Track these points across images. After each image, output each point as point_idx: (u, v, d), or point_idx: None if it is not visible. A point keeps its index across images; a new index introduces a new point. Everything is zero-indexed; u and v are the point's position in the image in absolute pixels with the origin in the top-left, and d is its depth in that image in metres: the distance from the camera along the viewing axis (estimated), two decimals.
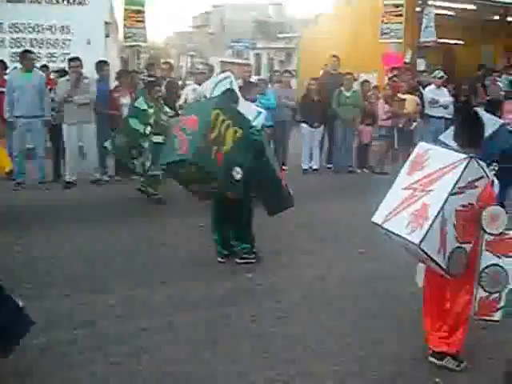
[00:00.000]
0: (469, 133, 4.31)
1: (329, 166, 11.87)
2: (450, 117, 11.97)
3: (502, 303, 4.13)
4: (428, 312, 4.48)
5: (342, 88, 11.52)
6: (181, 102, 10.17)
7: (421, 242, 3.76)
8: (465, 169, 3.84)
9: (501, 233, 3.99)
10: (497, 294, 4.12)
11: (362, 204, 6.73)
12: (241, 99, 6.63)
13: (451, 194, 3.82)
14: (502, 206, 4.08)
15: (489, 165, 4.54)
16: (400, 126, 11.32)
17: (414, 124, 11.40)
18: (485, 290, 4.11)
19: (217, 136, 5.82)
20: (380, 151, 11.47)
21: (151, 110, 8.74)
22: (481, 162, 3.95)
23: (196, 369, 4.20)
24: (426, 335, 4.45)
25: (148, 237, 7.37)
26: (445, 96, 12.04)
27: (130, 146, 8.61)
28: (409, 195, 4.04)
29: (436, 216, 3.79)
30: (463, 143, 4.27)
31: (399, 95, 11.59)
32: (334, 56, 12.35)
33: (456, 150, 4.15)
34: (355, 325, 5.04)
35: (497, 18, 20.24)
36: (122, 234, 7.46)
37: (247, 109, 6.61)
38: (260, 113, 6.96)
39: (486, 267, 4.07)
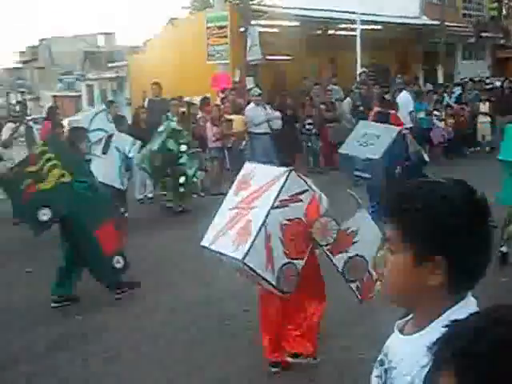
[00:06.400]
0: (286, 148, 4.43)
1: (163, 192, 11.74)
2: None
3: (375, 276, 4.16)
4: (267, 329, 4.48)
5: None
6: (3, 138, 10.30)
7: (244, 257, 3.71)
8: (285, 182, 3.86)
9: (335, 239, 4.03)
10: (366, 273, 4.19)
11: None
12: (116, 131, 8.20)
13: (273, 207, 3.81)
14: None
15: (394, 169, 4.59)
16: (229, 146, 11.53)
17: (243, 143, 11.66)
18: (356, 279, 4.17)
19: (36, 171, 5.69)
20: (213, 172, 11.57)
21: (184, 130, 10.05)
22: (303, 176, 4.01)
23: None
24: (264, 350, 4.47)
25: None
26: (264, 113, 12.30)
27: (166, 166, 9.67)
28: (234, 214, 4.03)
29: (258, 231, 3.75)
30: (284, 158, 4.38)
31: (226, 116, 11.81)
32: (154, 83, 12.33)
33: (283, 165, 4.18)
34: (185, 353, 5.00)
35: (319, 32, 21.32)
36: None
37: (121, 139, 8.17)
38: (135, 143, 8.42)
39: (344, 266, 4.12)
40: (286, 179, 3.88)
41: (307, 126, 12.99)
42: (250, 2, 19.77)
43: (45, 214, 5.70)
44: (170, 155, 9.58)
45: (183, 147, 9.70)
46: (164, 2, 73.88)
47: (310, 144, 12.81)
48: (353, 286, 4.19)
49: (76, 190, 5.88)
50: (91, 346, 5.25)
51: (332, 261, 4.14)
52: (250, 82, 16.16)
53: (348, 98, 14.12)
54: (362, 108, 12.63)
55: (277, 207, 3.84)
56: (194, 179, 10.03)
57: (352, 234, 4.16)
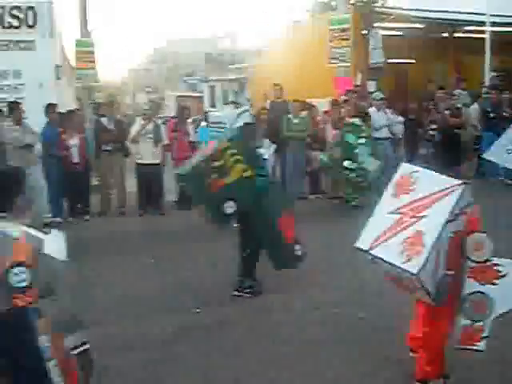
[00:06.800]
0: (449, 154, 4.29)
1: None
2: (400, 137, 12.16)
3: (486, 332, 3.92)
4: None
5: (290, 115, 11.58)
6: (132, 134, 10.93)
7: (419, 272, 3.63)
8: (460, 195, 3.78)
9: (485, 260, 3.86)
10: (480, 323, 3.92)
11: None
12: None
13: (448, 221, 3.73)
14: None
15: None
16: None
17: None
18: (468, 318, 3.94)
19: (221, 166, 5.95)
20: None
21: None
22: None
23: None
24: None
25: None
26: (385, 118, 12.03)
27: (343, 158, 10.19)
28: (397, 220, 3.90)
29: (433, 245, 3.68)
30: (445, 164, 4.26)
31: (347, 119, 11.66)
32: (276, 84, 12.50)
33: (450, 175, 4.03)
34: (301, 353, 5.00)
35: (445, 35, 20.62)
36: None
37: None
38: (270, 145, 8.74)
39: (470, 294, 3.91)
40: (461, 193, 3.78)
41: (431, 132, 12.56)
42: (373, 5, 19.51)
43: (230, 207, 5.97)
44: (348, 148, 10.19)
45: (361, 140, 10.26)
46: (287, 6, 75.11)
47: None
48: (462, 322, 3.92)
49: (258, 184, 6.14)
50: (212, 339, 5.37)
51: (463, 282, 3.91)
52: (371, 86, 15.89)
53: (475, 104, 13.50)
54: (492, 115, 12.01)
55: (450, 221, 3.74)
56: (365, 165, 10.15)
57: (498, 274, 3.90)
